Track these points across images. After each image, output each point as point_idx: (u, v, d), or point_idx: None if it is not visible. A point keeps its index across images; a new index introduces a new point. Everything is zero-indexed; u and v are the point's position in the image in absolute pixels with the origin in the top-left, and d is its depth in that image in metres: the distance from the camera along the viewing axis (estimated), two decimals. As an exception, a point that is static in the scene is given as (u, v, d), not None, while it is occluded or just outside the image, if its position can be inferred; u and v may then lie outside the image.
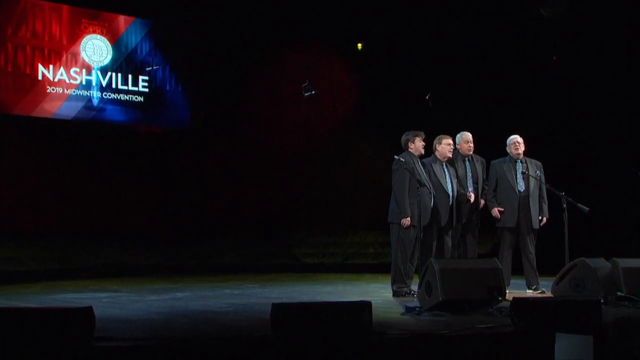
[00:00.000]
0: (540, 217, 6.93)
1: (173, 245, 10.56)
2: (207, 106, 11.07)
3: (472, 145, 6.98)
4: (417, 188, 6.33)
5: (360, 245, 11.24)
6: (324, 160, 11.60)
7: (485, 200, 7.07)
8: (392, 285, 6.54)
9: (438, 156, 6.81)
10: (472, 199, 6.77)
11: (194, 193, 11.08)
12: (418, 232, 6.41)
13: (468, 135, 7.00)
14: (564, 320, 4.29)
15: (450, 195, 6.72)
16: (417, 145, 6.61)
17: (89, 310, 3.88)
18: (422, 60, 10.76)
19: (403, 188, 6.42)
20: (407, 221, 6.39)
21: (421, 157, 6.70)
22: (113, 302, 6.24)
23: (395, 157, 6.52)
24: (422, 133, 6.66)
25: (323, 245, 11.36)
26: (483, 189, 7.07)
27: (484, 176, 7.11)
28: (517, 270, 6.99)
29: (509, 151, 7.04)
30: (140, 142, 10.64)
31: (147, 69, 10.51)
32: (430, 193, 6.41)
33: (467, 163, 7.01)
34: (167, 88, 10.83)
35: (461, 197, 6.82)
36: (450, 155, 6.80)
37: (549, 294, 6.24)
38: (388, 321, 4.84)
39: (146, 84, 10.56)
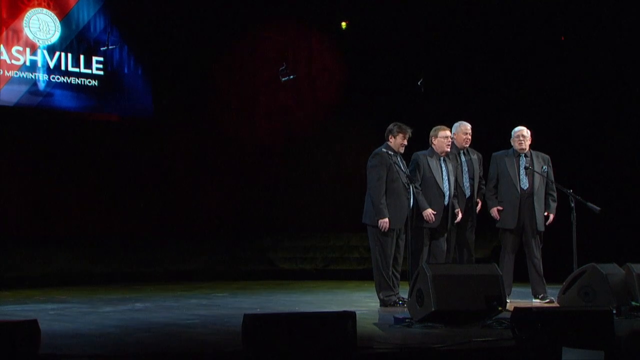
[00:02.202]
0: (546, 214, 6.96)
1: (131, 250, 10.50)
2: (171, 92, 10.99)
3: (470, 137, 7.00)
4: (407, 185, 6.34)
5: (344, 249, 11.25)
6: (303, 154, 11.59)
7: (484, 198, 7.10)
8: (378, 293, 6.55)
9: (435, 150, 6.82)
10: (459, 217, 6.78)
11: (156, 191, 11.00)
12: (398, 234, 6.43)
13: (467, 126, 7.02)
14: (571, 333, 4.31)
15: (446, 194, 6.75)
16: (398, 142, 6.61)
17: (33, 323, 3.84)
18: (415, 40, 10.78)
19: (379, 186, 6.44)
20: (385, 223, 6.40)
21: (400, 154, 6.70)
22: (61, 314, 6.19)
23: (383, 149, 6.53)
24: (410, 130, 6.63)
25: (302, 249, 11.36)
26: (479, 187, 7.10)
27: (481, 172, 7.14)
28: (523, 277, 7.03)
29: (512, 144, 7.07)
30: (94, 133, 10.53)
31: (102, 48, 10.40)
32: (409, 191, 6.39)
33: (463, 157, 7.03)
34: (125, 71, 10.73)
35: (458, 196, 6.85)
36: (449, 149, 6.81)
37: (557, 303, 6.28)
38: (374, 334, 4.85)
39: (101, 65, 10.45)
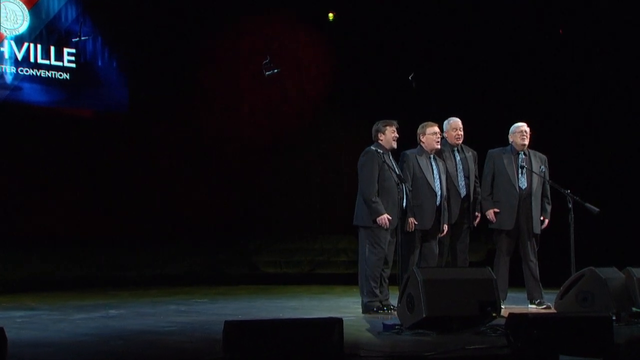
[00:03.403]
0: (541, 218, 7.00)
1: (105, 253, 10.47)
2: (148, 85, 10.97)
3: (461, 133, 7.03)
4: (398, 185, 6.36)
5: (331, 253, 11.28)
6: (288, 152, 11.60)
7: (480, 199, 7.12)
8: (362, 297, 6.57)
9: (424, 147, 6.85)
10: (446, 231, 6.81)
11: (132, 190, 10.97)
12: (390, 235, 6.46)
13: (457, 122, 7.05)
14: (568, 340, 4.34)
15: (438, 193, 6.77)
16: (389, 136, 6.64)
17: (-1, 331, 3.80)
18: (405, 33, 10.81)
19: (371, 184, 6.45)
20: (384, 219, 6.41)
21: (393, 150, 6.72)
22: (30, 321, 6.15)
23: (372, 147, 6.54)
24: (395, 122, 6.68)
25: (287, 252, 11.38)
26: (475, 186, 7.12)
27: (476, 170, 7.16)
28: (518, 281, 7.07)
29: (512, 140, 7.07)
30: (65, 129, 10.49)
31: (74, 39, 10.37)
32: (403, 191, 6.42)
33: (457, 155, 7.06)
34: (99, 63, 10.70)
35: (452, 196, 6.87)
36: (438, 147, 6.84)
37: (554, 309, 6.32)
38: (362, 341, 4.86)
39: (73, 58, 10.41)
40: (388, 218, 6.41)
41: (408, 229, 6.59)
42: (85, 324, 5.92)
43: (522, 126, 7.05)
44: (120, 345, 4.90)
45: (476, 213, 7.06)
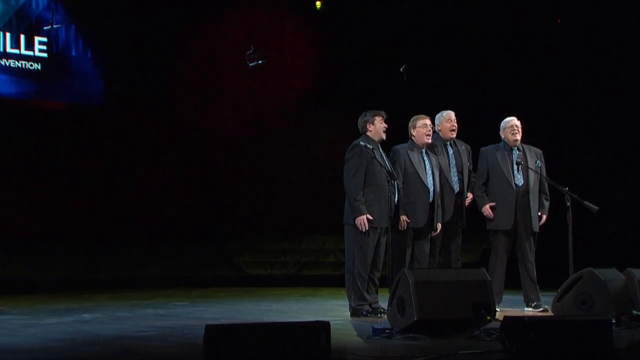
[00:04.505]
0: (539, 214, 7.02)
1: (79, 254, 10.43)
2: (124, 77, 10.92)
3: (455, 125, 7.06)
4: (388, 181, 6.36)
5: (318, 253, 11.29)
6: (273, 148, 11.59)
7: (474, 196, 7.14)
8: (350, 300, 6.58)
9: (416, 142, 6.86)
10: (439, 230, 6.83)
11: (107, 187, 10.92)
12: (380, 235, 6.46)
13: (450, 115, 7.08)
14: (566, 345, 4.36)
15: (431, 190, 6.79)
16: (378, 126, 6.66)
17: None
18: (396, 23, 10.82)
19: (357, 180, 6.45)
20: (363, 220, 6.41)
21: (382, 142, 6.73)
22: (-1, 326, 6.12)
23: (361, 142, 6.54)
24: (383, 112, 6.69)
25: (272, 253, 11.37)
26: (469, 181, 7.15)
27: (470, 165, 7.19)
28: (514, 283, 7.10)
29: (503, 136, 7.11)
30: (36, 122, 10.42)
31: (46, 27, 10.30)
32: (394, 187, 6.43)
33: (450, 149, 7.08)
34: (73, 53, 10.64)
35: (446, 193, 6.89)
36: (429, 140, 6.86)
37: (551, 312, 6.35)
38: (350, 346, 4.87)
39: (45, 47, 10.35)
40: (369, 218, 6.41)
41: (401, 228, 6.60)
42: (58, 329, 5.89)
43: (512, 120, 7.06)
44: (95, 351, 4.88)
45: (468, 194, 7.05)
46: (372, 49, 10.99)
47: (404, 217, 6.62)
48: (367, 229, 6.42)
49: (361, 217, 6.43)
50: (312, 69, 11.67)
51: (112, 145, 11.04)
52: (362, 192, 6.47)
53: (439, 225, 6.83)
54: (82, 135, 10.78)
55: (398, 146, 6.88)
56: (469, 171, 7.18)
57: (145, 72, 11.01)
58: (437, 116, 7.10)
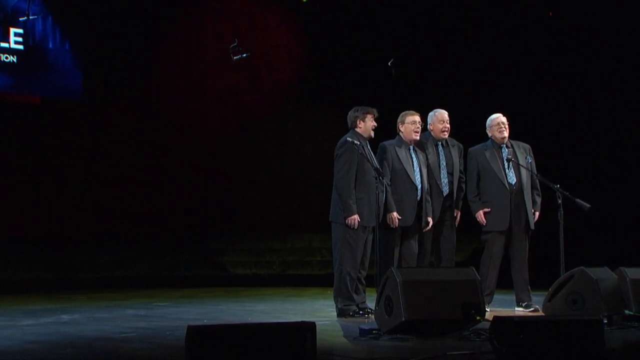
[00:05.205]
0: (532, 211, 7.03)
1: (57, 254, 10.41)
2: (103, 70, 10.88)
3: (448, 126, 7.03)
4: (376, 179, 6.37)
5: (305, 252, 11.30)
6: (257, 142, 11.59)
7: (462, 196, 7.14)
8: (336, 300, 6.59)
9: (403, 138, 6.87)
10: (430, 225, 6.85)
11: (86, 185, 10.90)
12: (368, 233, 6.48)
13: (443, 114, 7.04)
14: (557, 345, 4.39)
15: (419, 187, 6.80)
16: (368, 124, 6.67)
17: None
18: (384, 16, 10.83)
19: (348, 178, 6.47)
20: (354, 220, 6.44)
21: (371, 140, 6.75)
22: (-26, 328, 6.08)
23: (348, 139, 6.55)
24: (375, 110, 6.70)
25: (256, 252, 11.37)
26: (460, 183, 7.14)
27: (462, 165, 7.18)
28: (505, 282, 7.13)
29: (490, 134, 7.09)
30: (11, 117, 10.38)
31: (22, 19, 10.25)
32: (382, 185, 6.44)
33: (441, 148, 7.07)
34: (50, 46, 10.60)
35: (435, 194, 6.90)
36: (417, 137, 6.86)
37: (542, 312, 6.39)
38: (336, 347, 4.87)
39: (20, 39, 10.30)
40: (359, 218, 6.43)
41: (392, 225, 6.61)
42: (34, 331, 5.87)
43: (499, 117, 7.03)
44: (73, 353, 4.87)
45: (456, 211, 7.07)
46: (358, 42, 10.99)
47: (394, 214, 6.63)
48: (357, 227, 6.44)
49: (352, 217, 6.44)
50: (296, 62, 11.66)
51: (91, 141, 11.01)
52: (353, 191, 6.48)
53: (430, 220, 6.83)
54: (59, 132, 10.74)
55: (385, 142, 6.87)
56: (460, 171, 7.14)
57: (125, 66, 10.97)
58: (429, 115, 7.05)
